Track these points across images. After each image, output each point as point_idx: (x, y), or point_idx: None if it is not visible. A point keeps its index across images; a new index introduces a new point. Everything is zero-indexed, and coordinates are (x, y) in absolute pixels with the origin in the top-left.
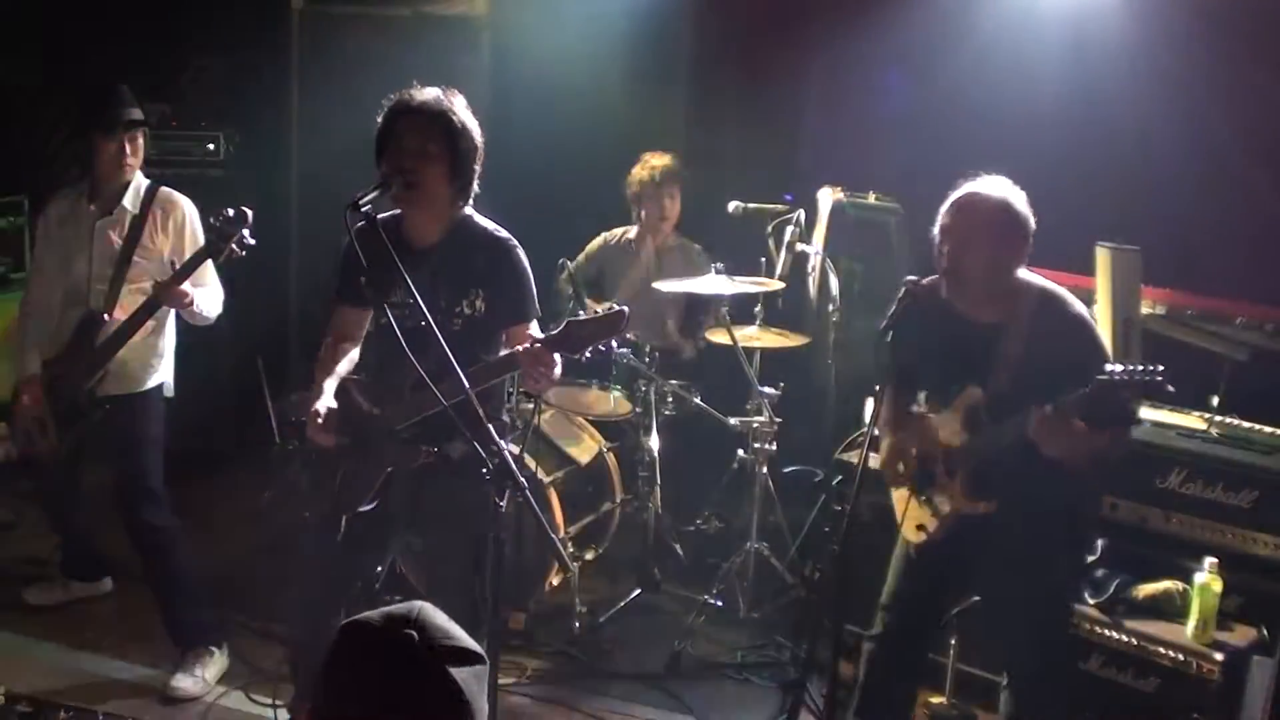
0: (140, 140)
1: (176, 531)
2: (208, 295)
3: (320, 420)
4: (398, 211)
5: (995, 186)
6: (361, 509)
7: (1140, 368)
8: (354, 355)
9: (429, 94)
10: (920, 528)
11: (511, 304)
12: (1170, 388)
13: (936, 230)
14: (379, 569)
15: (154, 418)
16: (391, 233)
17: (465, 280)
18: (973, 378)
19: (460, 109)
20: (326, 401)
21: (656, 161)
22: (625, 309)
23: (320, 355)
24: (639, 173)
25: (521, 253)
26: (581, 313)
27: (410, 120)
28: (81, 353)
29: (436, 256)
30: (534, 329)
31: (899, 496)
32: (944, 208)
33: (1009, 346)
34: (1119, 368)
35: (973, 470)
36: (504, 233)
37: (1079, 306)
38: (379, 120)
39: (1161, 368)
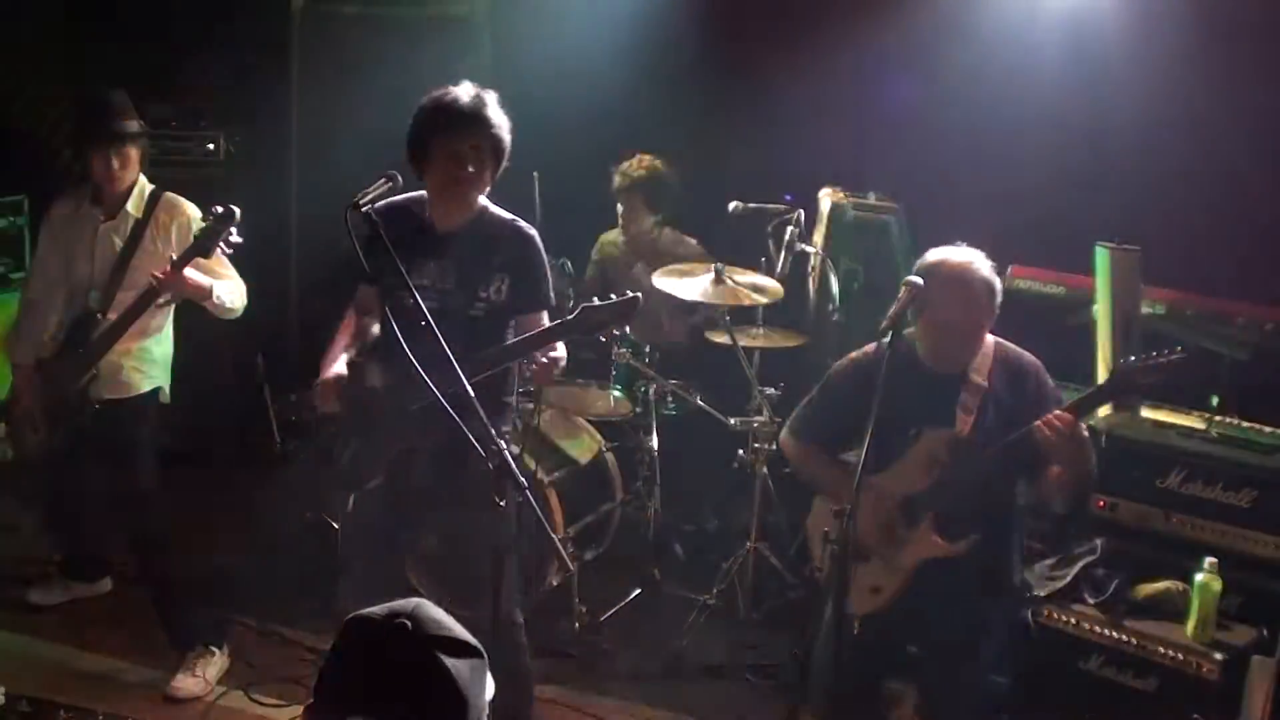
0: (132, 152)
1: (170, 534)
2: (224, 285)
3: (329, 386)
4: (420, 194)
5: (969, 254)
6: (368, 486)
7: (1155, 353)
8: (375, 330)
9: (469, 93)
10: (875, 590)
11: (530, 292)
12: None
13: (912, 292)
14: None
15: (147, 422)
16: (415, 216)
17: (490, 266)
18: (931, 423)
19: (495, 105)
20: (337, 370)
21: (634, 167)
22: (639, 295)
23: (340, 326)
24: (623, 167)
25: (540, 244)
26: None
27: (462, 123)
28: (74, 351)
29: (460, 241)
30: (544, 319)
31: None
32: (926, 271)
33: (969, 394)
34: (1133, 358)
35: (943, 512)
36: (524, 223)
37: (1029, 356)
38: (418, 117)
39: (1179, 348)
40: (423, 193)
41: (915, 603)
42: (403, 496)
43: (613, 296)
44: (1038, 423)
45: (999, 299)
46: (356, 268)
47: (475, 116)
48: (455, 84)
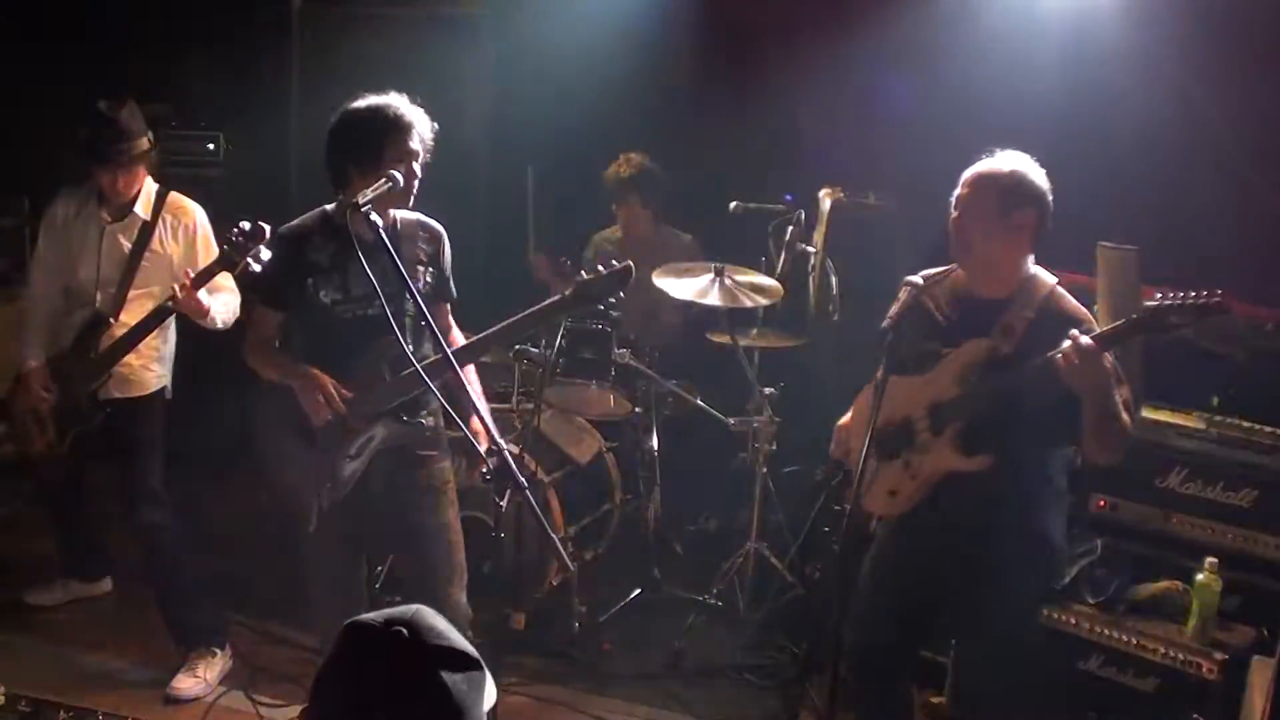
0: (138, 169)
1: (177, 532)
2: (223, 303)
3: (331, 395)
4: (324, 210)
5: (1010, 158)
6: (335, 497)
7: (1191, 292)
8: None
9: (397, 99)
10: (892, 493)
11: (444, 284)
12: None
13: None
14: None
15: (155, 420)
16: (337, 230)
17: (417, 261)
18: (973, 337)
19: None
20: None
21: (622, 168)
22: (630, 264)
23: (263, 354)
24: (612, 170)
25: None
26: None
27: (407, 130)
28: (85, 355)
29: (391, 242)
30: (449, 310)
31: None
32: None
33: (1014, 318)
34: (1168, 296)
35: (966, 425)
36: (431, 219)
37: (1083, 308)
38: (366, 126)
39: (1220, 291)
40: (325, 208)
41: (941, 530)
42: (363, 498)
43: (600, 269)
44: (1062, 347)
45: (1021, 194)
46: (285, 293)
47: (411, 121)
48: (387, 92)
